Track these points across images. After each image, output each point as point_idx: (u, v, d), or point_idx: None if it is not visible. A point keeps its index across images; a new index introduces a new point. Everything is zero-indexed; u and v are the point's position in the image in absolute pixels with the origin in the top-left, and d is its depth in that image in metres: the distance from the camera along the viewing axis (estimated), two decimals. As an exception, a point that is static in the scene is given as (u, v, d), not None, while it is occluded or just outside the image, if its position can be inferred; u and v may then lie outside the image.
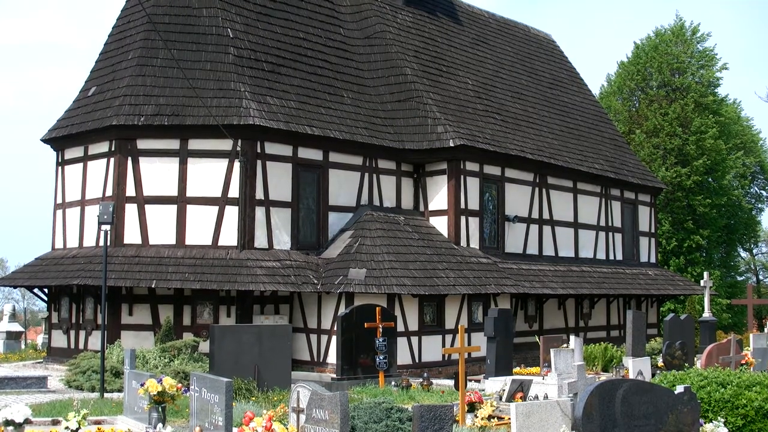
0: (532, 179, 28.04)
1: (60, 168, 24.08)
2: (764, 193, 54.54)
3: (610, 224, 31.82)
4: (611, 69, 57.92)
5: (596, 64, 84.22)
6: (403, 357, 20.80)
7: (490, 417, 12.48)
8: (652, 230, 34.78)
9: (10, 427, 10.31)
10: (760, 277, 62.36)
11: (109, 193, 21.84)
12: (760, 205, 54.21)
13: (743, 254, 59.21)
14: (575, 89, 35.80)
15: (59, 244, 23.83)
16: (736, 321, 44.19)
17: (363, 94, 25.73)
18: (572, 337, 18.18)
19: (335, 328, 19.44)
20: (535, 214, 28.11)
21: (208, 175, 21.67)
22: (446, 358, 22.24)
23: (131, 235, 21.52)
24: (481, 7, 34.78)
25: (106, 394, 15.96)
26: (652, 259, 34.56)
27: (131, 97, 22.00)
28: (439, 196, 25.05)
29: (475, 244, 25.25)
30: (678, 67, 45.87)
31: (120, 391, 15.80)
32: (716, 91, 47.28)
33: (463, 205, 24.92)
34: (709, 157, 43.66)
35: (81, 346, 21.97)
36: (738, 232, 49.44)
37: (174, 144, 21.80)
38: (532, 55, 34.88)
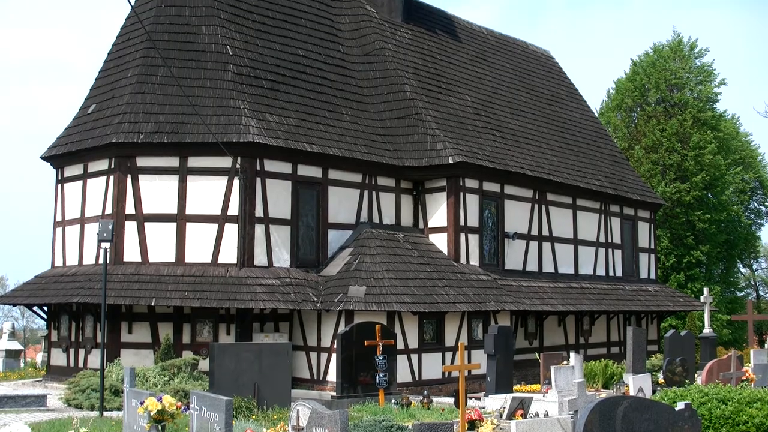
0: (532, 196, 28.05)
1: (59, 186, 24.08)
2: (763, 208, 54.52)
3: (609, 240, 31.80)
4: (610, 85, 58.06)
5: (595, 81, 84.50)
6: (403, 375, 20.75)
7: (490, 434, 12.45)
8: (652, 246, 34.77)
9: (10, 447, 10.29)
10: (760, 293, 62.31)
11: (108, 210, 21.84)
12: (759, 221, 54.17)
13: (743, 270, 59.17)
14: (574, 105, 35.86)
15: (59, 262, 23.80)
16: (737, 337, 44.12)
17: (362, 111, 25.78)
18: (572, 354, 18.14)
19: (335, 346, 19.38)
20: (535, 231, 28.10)
21: (208, 192, 21.67)
22: (446, 376, 22.19)
23: (131, 252, 21.50)
24: (480, 24, 34.89)
25: (105, 413, 15.90)
26: (652, 275, 34.54)
27: (131, 115, 22.00)
28: (438, 213, 25.06)
29: (474, 261, 25.24)
30: (676, 82, 45.96)
31: (119, 409, 15.76)
32: (714, 106, 47.33)
33: (462, 222, 24.91)
34: (708, 173, 43.68)
35: (80, 364, 21.91)
36: (737, 247, 49.40)
37: (173, 161, 21.80)
38: (531, 71, 34.96)
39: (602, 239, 31.41)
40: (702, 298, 30.11)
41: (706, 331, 29.26)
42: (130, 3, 14.86)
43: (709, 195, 45.23)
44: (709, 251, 44.19)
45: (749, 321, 32.55)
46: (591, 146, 33.93)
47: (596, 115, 41.28)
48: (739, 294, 52.93)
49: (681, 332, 23.85)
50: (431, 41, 30.21)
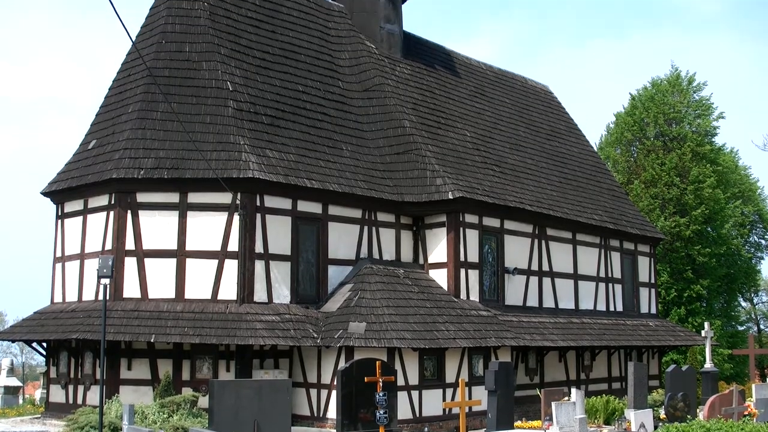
0: (532, 231, 28.05)
1: (60, 221, 24.07)
2: (763, 241, 54.49)
3: (609, 275, 31.77)
4: (609, 119, 58.31)
5: (594, 115, 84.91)
6: (403, 411, 20.63)
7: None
8: (652, 281, 34.72)
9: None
10: (762, 327, 62.16)
11: (108, 246, 21.82)
12: (759, 254, 54.12)
13: (744, 304, 59.09)
14: (573, 140, 35.96)
15: (58, 298, 23.75)
16: (738, 371, 43.93)
17: (362, 146, 25.83)
18: (573, 390, 18.10)
19: (335, 383, 19.31)
20: (535, 266, 28.07)
21: (208, 228, 21.66)
22: (447, 412, 22.02)
23: (130, 288, 21.44)
24: (479, 59, 35.06)
25: (104, 451, 15.82)
26: (653, 310, 34.46)
27: (131, 150, 22.04)
28: (438, 248, 25.03)
29: (475, 296, 25.19)
30: (674, 116, 46.09)
31: (118, 447, 15.67)
32: (713, 140, 47.43)
33: (462, 258, 24.88)
34: (708, 207, 43.70)
35: (79, 401, 21.79)
36: (738, 281, 49.32)
37: (173, 197, 21.81)
38: (530, 106, 35.09)
39: (602, 274, 31.38)
40: (703, 333, 30.05)
41: (708, 365, 29.18)
42: (131, 39, 14.93)
43: (709, 229, 45.20)
44: (710, 285, 44.10)
45: (751, 355, 32.45)
46: (590, 181, 33.98)
47: (595, 149, 41.38)
48: (741, 328, 52.75)
49: (682, 367, 23.78)
50: (430, 77, 30.35)
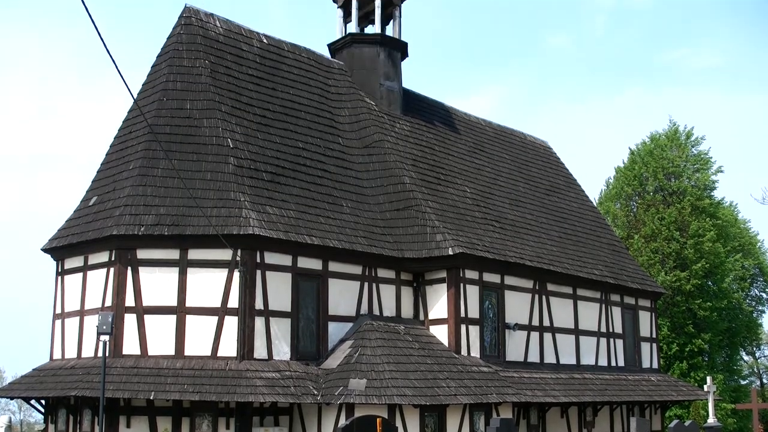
0: (532, 286, 28.02)
1: (59, 278, 24.05)
2: (764, 295, 54.48)
3: (611, 330, 31.66)
4: (608, 174, 58.51)
5: (593, 170, 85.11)
6: (404, 469, 20.47)
7: None
8: (654, 335, 34.59)
9: None
10: (764, 381, 61.82)
11: (108, 303, 21.76)
12: (760, 308, 54.09)
13: (746, 357, 58.90)
14: (573, 195, 36.06)
15: (57, 355, 23.64)
16: (742, 426, 43.65)
17: (362, 203, 25.90)
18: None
19: (335, 441, 19.18)
20: (536, 322, 28.00)
21: (208, 285, 21.63)
22: (448, 470, 21.84)
23: (130, 345, 21.35)
24: (478, 115, 35.28)
25: None
26: (655, 365, 34.29)
27: (131, 207, 22.07)
28: (438, 304, 24.99)
29: (475, 352, 25.09)
30: (673, 171, 46.31)
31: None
32: (712, 194, 47.61)
33: (463, 314, 24.83)
34: (708, 261, 43.73)
35: (77, 459, 21.63)
36: (740, 335, 49.22)
37: (174, 254, 21.81)
38: (529, 162, 35.24)
39: (603, 329, 31.27)
40: (705, 387, 29.90)
41: (711, 420, 28.99)
42: (132, 96, 15.05)
43: (710, 283, 45.20)
44: (711, 339, 43.97)
45: (754, 409, 32.20)
46: (590, 236, 34.01)
47: (595, 204, 41.48)
48: (743, 382, 52.54)
49: (685, 422, 23.64)
50: (430, 133, 30.52)
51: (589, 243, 33.26)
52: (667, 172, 46.31)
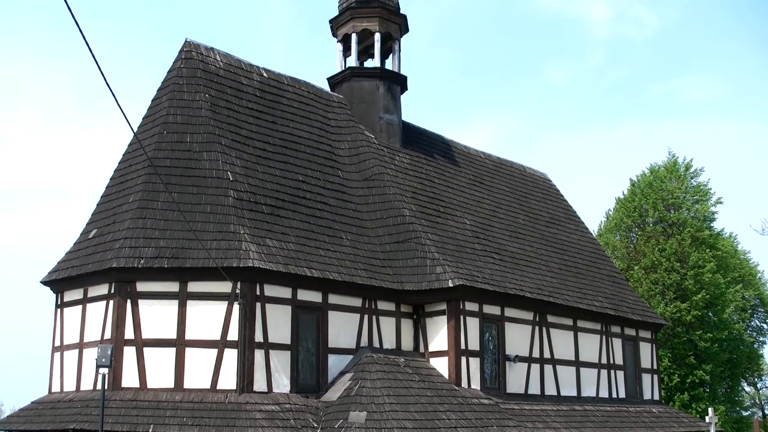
0: (532, 318, 27.99)
1: (59, 310, 24.03)
2: (765, 326, 54.43)
3: (611, 362, 31.58)
4: (608, 206, 58.66)
5: (593, 202, 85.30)
6: (404, 503, 20.33)
7: None
8: (654, 367, 34.49)
9: None
10: (766, 412, 61.58)
11: (107, 335, 21.73)
12: (761, 339, 54.02)
13: (747, 388, 58.71)
14: (572, 227, 36.09)
15: (56, 388, 23.57)
16: (744, 457, 43.45)
17: (362, 235, 25.93)
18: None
19: (335, 474, 19.06)
20: (536, 353, 27.94)
21: (208, 317, 21.61)
22: (449, 504, 21.70)
23: (129, 378, 21.30)
24: (477, 147, 35.40)
25: None
26: (656, 396, 34.16)
27: (131, 240, 22.10)
28: (439, 336, 24.96)
29: (476, 384, 25.02)
30: (673, 202, 46.40)
31: None
32: (712, 225, 47.68)
33: (463, 346, 24.78)
34: (708, 292, 43.72)
35: (76, 493, 21.48)
36: (741, 366, 49.09)
37: (173, 286, 21.80)
38: (528, 194, 35.32)
39: (604, 360, 31.19)
40: (707, 419, 29.81)
41: (713, 453, 28.85)
42: (132, 130, 15.09)
43: (710, 314, 45.17)
44: (713, 370, 43.87)
45: (756, 441, 32.12)
46: (590, 267, 34.01)
47: (595, 235, 41.50)
48: (745, 413, 52.34)
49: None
50: (429, 165, 30.62)
51: (589, 274, 33.25)
52: (667, 204, 46.41)
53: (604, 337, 31.32)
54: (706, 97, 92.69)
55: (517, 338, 27.16)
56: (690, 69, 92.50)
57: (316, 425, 21.29)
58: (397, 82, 31.01)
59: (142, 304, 21.70)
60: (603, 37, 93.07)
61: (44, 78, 71.01)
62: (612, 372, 31.54)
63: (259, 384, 21.52)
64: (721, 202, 47.62)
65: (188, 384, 21.25)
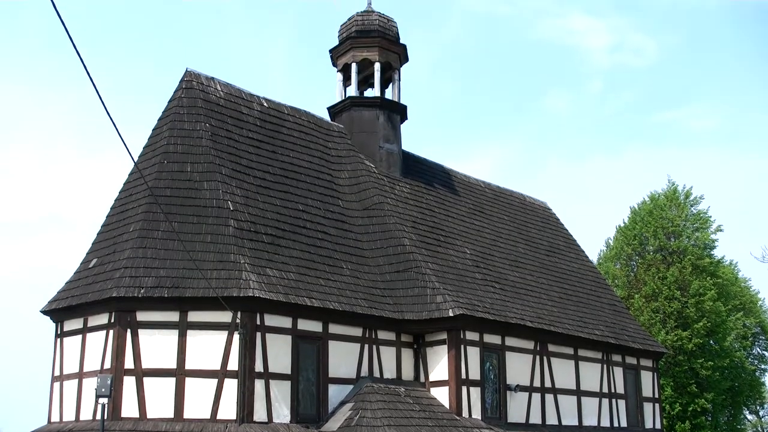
0: (533, 347, 27.93)
1: (59, 340, 23.98)
2: (767, 353, 54.21)
3: (612, 391, 31.47)
4: (607, 234, 58.68)
5: (593, 230, 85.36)
6: None
7: None
8: (656, 395, 34.36)
9: None
10: (768, 439, 61.38)
11: (107, 365, 21.66)
12: (763, 366, 53.82)
13: (749, 417, 58.48)
14: (573, 256, 36.09)
15: (55, 418, 23.47)
16: (746, 487, 43.22)
17: (362, 264, 25.94)
18: None
19: (335, 506, 18.98)
20: (537, 383, 27.86)
21: (208, 347, 21.56)
22: None
23: (129, 408, 21.21)
24: (477, 176, 35.47)
25: None
26: (657, 425, 34.01)
27: (132, 269, 22.09)
28: (439, 366, 24.90)
29: (477, 414, 24.93)
30: (673, 230, 46.40)
31: None
32: (712, 253, 47.66)
33: (464, 375, 24.72)
34: (709, 320, 43.64)
35: None
36: (743, 394, 48.91)
37: (173, 316, 21.77)
38: (528, 223, 35.35)
39: (605, 389, 31.08)
40: (709, 449, 29.66)
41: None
42: (133, 159, 15.13)
43: (711, 342, 45.07)
44: (714, 399, 43.70)
45: (758, 471, 31.97)
46: (591, 296, 33.98)
47: (595, 264, 41.49)
48: (747, 441, 52.13)
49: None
50: (429, 195, 30.67)
51: (589, 303, 33.22)
52: (667, 232, 46.43)
53: (605, 366, 31.24)
54: (705, 125, 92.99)
55: (518, 367, 27.09)
56: (689, 98, 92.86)
57: (316, 456, 21.22)
58: (397, 112, 31.13)
59: (142, 333, 21.66)
60: (602, 66, 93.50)
61: (44, 107, 71.27)
62: (613, 401, 31.43)
63: (260, 414, 21.45)
64: (721, 230, 47.65)
65: (188, 414, 21.17)
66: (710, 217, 47.76)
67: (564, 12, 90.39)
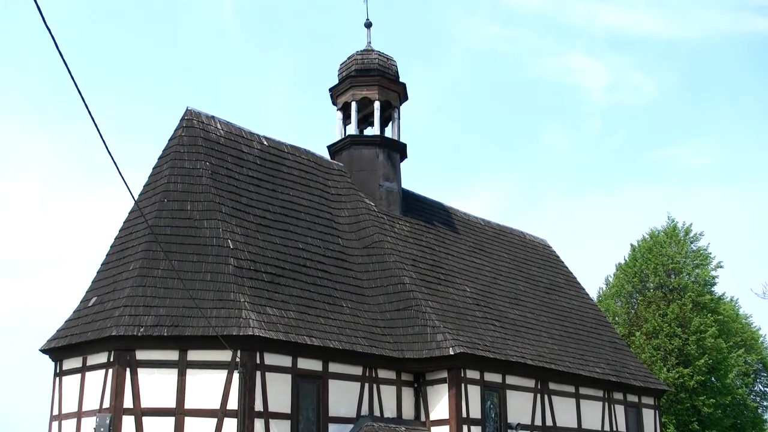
0: (534, 385, 27.81)
1: (57, 378, 23.87)
2: (768, 390, 54.01)
3: (614, 429, 31.26)
4: (608, 271, 58.66)
5: (593, 267, 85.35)
6: None
7: None
8: (658, 434, 34.20)
9: None
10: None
11: (106, 404, 21.54)
12: (765, 403, 53.56)
13: (752, 455, 57.99)
14: (573, 293, 36.04)
15: (54, 458, 23.36)
16: None
17: (362, 303, 25.90)
18: None
19: None
20: (538, 421, 27.70)
21: (207, 386, 21.45)
22: None
23: (128, 448, 21.13)
24: (477, 214, 35.50)
25: None
26: (660, 464, 33.82)
27: (131, 308, 22.05)
28: (440, 405, 24.77)
29: (478, 453, 24.80)
30: (673, 267, 46.37)
31: None
32: (713, 289, 47.61)
33: (464, 414, 24.58)
34: (711, 357, 43.51)
35: None
36: (745, 431, 48.63)
37: (173, 355, 21.69)
38: (528, 260, 35.33)
39: (607, 427, 30.89)
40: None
41: None
42: (133, 198, 15.17)
43: (713, 379, 44.90)
44: (716, 437, 43.48)
45: None
46: (591, 333, 33.89)
47: (595, 301, 41.43)
48: (750, 479, 51.72)
49: None
50: (429, 233, 30.68)
51: (590, 341, 33.12)
52: (667, 269, 46.41)
53: (606, 404, 31.09)
54: (703, 162, 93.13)
55: (519, 406, 26.95)
56: (687, 135, 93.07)
57: (316, 496, 21.05)
58: (397, 150, 31.22)
59: (142, 372, 21.57)
60: (601, 104, 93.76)
61: (45, 144, 71.50)
62: (615, 440, 31.26)
63: (259, 454, 21.32)
64: (721, 266, 47.62)
65: (187, 454, 21.05)
66: (710, 253, 47.79)
67: (562, 51, 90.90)
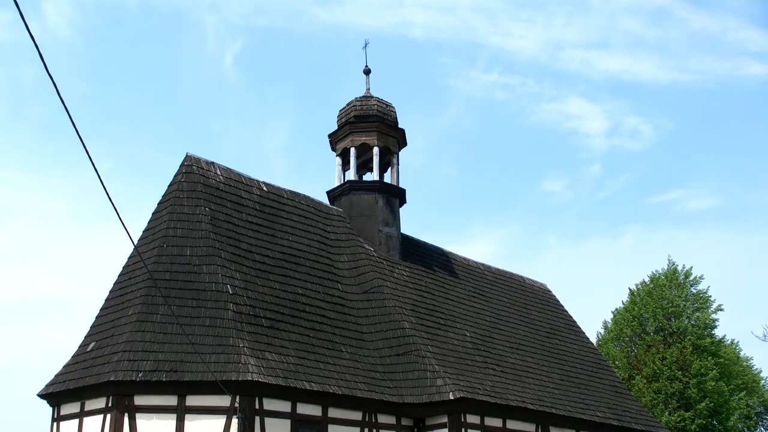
0: (535, 430, 27.63)
1: (55, 424, 23.73)
2: (771, 433, 53.73)
3: (616, 474, 31.10)
4: (607, 315, 58.58)
5: (593, 311, 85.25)
6: None
7: None
8: (661, 479, 33.95)
9: None
10: None
11: (104, 451, 21.48)
12: (768, 447, 53.30)
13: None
14: (573, 337, 35.97)
15: (51, 505, 23.19)
16: None
17: (361, 348, 25.85)
18: None
19: None
20: (539, 466, 27.54)
21: (206, 431, 21.41)
22: None
23: (125, 495, 20.99)
24: (476, 259, 35.55)
25: None
26: None
27: (130, 353, 21.99)
28: (440, 450, 24.65)
29: (478, 499, 24.60)
30: (673, 311, 46.33)
31: None
32: (713, 332, 47.53)
33: (464, 459, 24.46)
34: (712, 400, 43.37)
35: None
36: (748, 474, 48.39)
37: (172, 400, 21.60)
38: (528, 305, 35.30)
39: (608, 473, 30.72)
40: None
41: None
42: (133, 243, 15.20)
43: (715, 422, 44.71)
44: (720, 480, 43.22)
45: None
46: (592, 377, 33.77)
47: (595, 345, 41.33)
48: None
49: None
50: (429, 278, 30.69)
51: (591, 385, 33.00)
52: (667, 312, 46.36)
53: (607, 449, 30.90)
54: (703, 206, 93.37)
55: (520, 451, 26.80)
56: (686, 179, 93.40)
57: None
58: (396, 195, 31.33)
59: (140, 418, 21.46)
60: (600, 149, 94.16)
61: (43, 189, 71.71)
62: (617, 485, 31.02)
63: (258, 501, 21.17)
64: (721, 309, 47.60)
65: (186, 501, 20.91)
66: (710, 296, 47.80)
67: (561, 96, 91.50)
